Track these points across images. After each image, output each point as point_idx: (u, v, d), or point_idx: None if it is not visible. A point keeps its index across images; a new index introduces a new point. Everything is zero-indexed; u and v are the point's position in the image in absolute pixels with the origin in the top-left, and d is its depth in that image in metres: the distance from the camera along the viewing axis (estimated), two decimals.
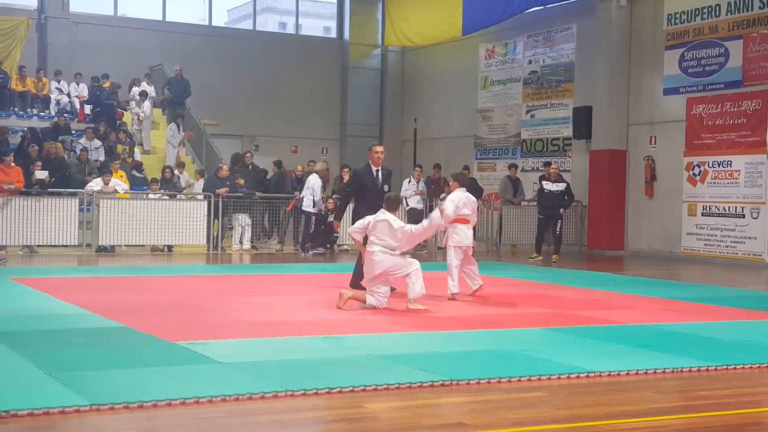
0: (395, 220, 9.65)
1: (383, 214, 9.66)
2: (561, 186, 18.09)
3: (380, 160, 11.04)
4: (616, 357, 7.08)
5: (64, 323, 8.41)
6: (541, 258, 17.71)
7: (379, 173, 11.05)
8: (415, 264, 9.63)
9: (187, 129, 22.49)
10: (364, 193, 11.02)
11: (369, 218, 9.74)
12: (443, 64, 26.46)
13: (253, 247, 18.85)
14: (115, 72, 23.65)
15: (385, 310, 9.62)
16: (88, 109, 22.95)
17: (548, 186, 18.11)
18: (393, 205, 9.79)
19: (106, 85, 23.25)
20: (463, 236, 10.93)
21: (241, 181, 18.77)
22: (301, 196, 18.71)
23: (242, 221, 18.73)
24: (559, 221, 18.04)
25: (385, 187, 10.91)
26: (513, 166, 21.21)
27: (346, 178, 18.48)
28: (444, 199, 12.54)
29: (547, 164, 19.72)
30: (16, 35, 23.60)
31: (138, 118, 22.95)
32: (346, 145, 27.66)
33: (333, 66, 27.96)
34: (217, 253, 17.97)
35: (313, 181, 18.39)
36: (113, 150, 20.73)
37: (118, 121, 22.52)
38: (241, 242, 18.75)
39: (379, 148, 10.97)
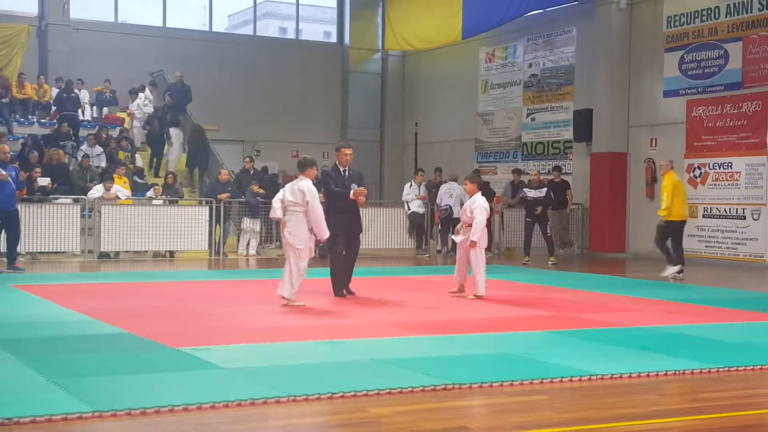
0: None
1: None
2: (541, 192, 18.02)
3: (348, 162, 11.27)
4: (619, 359, 7.08)
5: (66, 330, 8.41)
6: (530, 260, 17.56)
7: (347, 173, 11.23)
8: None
9: (188, 134, 22.70)
10: (332, 192, 11.21)
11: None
12: (444, 67, 26.48)
13: (256, 252, 18.88)
14: (116, 78, 23.69)
15: (393, 314, 9.65)
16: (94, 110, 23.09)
17: (530, 193, 18.01)
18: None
19: (106, 90, 23.33)
20: (486, 238, 11.60)
21: (256, 187, 18.75)
22: (444, 205, 19.57)
23: (249, 226, 18.73)
24: (548, 223, 18.02)
25: (353, 186, 11.10)
26: (516, 172, 21.13)
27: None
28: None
29: (556, 168, 19.73)
30: (16, 42, 23.63)
31: (132, 117, 23.14)
32: None
33: (333, 70, 27.98)
34: (219, 258, 17.98)
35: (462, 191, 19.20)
36: (114, 156, 20.75)
37: (119, 127, 22.57)
38: (247, 248, 18.76)
39: (348, 151, 11.29)
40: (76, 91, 22.78)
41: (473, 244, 11.11)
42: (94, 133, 21.45)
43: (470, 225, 11.18)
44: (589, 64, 21.34)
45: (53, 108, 22.63)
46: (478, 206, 11.17)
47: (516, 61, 23.92)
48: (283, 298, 10.16)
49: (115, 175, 18.47)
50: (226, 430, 5.07)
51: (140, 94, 23.45)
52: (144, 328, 8.29)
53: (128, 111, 23.47)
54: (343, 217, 10.99)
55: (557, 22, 22.57)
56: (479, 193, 11.41)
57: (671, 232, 14.65)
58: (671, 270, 14.41)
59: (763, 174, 17.43)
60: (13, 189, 14.33)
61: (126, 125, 23.11)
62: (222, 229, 18.36)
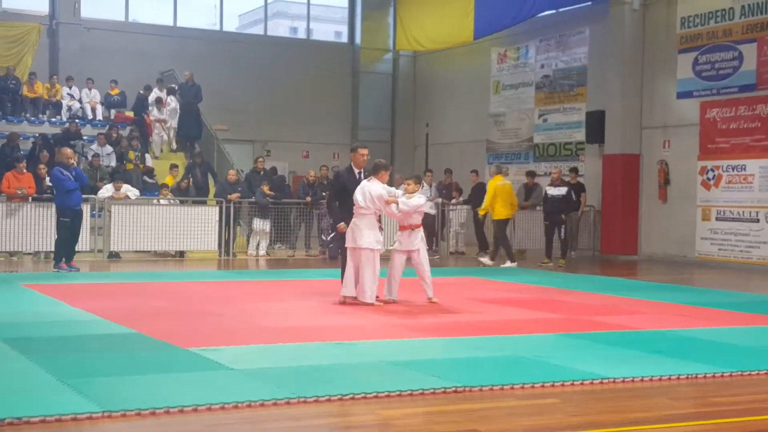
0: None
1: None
2: (562, 190, 17.97)
3: (364, 163, 11.10)
4: (630, 363, 7.03)
5: (76, 329, 8.42)
6: (551, 264, 17.63)
7: (361, 175, 11.03)
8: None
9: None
10: (347, 194, 10.82)
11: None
12: (455, 68, 26.43)
13: (266, 252, 18.87)
14: (127, 78, 23.71)
15: (398, 315, 9.63)
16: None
17: (550, 191, 18.03)
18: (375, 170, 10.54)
19: (115, 92, 23.30)
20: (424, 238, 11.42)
21: (266, 188, 18.73)
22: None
23: (259, 226, 18.72)
24: (563, 226, 17.97)
25: None
26: (530, 174, 20.93)
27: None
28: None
29: (573, 170, 19.66)
30: (27, 41, 23.69)
31: (162, 125, 22.76)
32: None
33: (344, 71, 27.96)
34: (228, 258, 17.98)
35: None
36: (125, 156, 20.77)
37: (130, 128, 22.55)
38: (257, 248, 18.76)
39: (365, 151, 11.06)
40: (87, 90, 22.88)
41: (391, 202, 10.44)
42: (104, 133, 21.46)
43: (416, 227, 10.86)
44: (601, 65, 21.26)
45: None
46: (420, 198, 10.85)
47: (528, 62, 23.85)
48: (365, 303, 10.24)
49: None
50: (236, 431, 5.05)
51: (169, 98, 22.96)
52: (153, 329, 8.29)
53: (157, 118, 22.78)
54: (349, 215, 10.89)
55: (570, 23, 22.50)
56: (417, 194, 10.92)
57: (496, 228, 17.30)
58: (509, 264, 16.79)
59: None
60: (80, 188, 14.78)
61: (153, 134, 22.89)
62: (232, 229, 18.35)
